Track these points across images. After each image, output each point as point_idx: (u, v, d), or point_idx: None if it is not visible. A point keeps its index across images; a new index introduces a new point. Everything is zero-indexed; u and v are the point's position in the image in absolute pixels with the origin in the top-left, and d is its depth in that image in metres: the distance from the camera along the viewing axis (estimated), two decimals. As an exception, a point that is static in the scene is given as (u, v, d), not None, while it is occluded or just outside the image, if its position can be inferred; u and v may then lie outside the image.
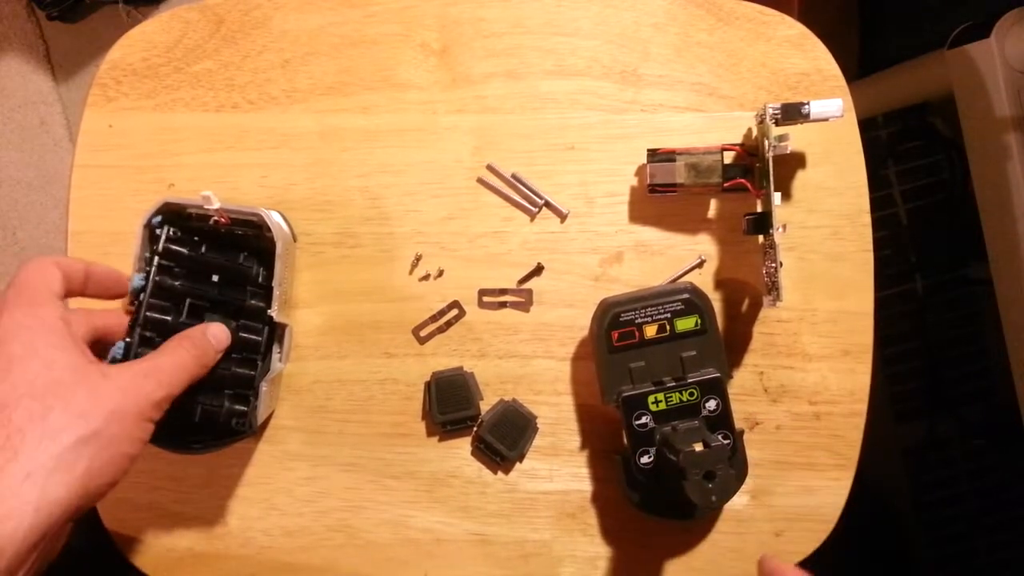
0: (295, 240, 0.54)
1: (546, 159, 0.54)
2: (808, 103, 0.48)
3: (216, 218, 0.49)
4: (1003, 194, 0.81)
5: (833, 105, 0.48)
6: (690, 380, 0.48)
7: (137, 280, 0.44)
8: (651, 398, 0.47)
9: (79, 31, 1.27)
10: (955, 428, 1.18)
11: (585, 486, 0.53)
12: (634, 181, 0.54)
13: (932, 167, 1.17)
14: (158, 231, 0.46)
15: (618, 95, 0.54)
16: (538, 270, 0.53)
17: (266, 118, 0.54)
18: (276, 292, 0.48)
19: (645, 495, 0.49)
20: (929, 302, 1.18)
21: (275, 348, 0.49)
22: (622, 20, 0.54)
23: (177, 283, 0.45)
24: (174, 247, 0.46)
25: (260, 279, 0.48)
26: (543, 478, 0.53)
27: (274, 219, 0.50)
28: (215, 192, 0.48)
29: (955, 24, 0.85)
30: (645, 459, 0.48)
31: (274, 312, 0.48)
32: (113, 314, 0.45)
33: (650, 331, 0.48)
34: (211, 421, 0.45)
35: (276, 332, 0.49)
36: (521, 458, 0.53)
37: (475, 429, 0.53)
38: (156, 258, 0.46)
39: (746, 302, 0.53)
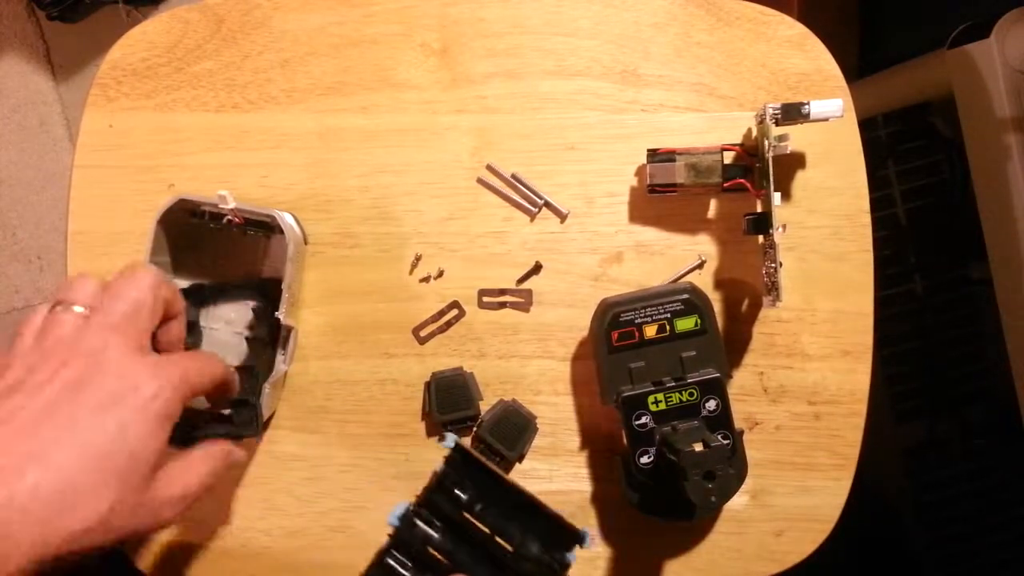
0: (306, 242, 0.54)
1: (546, 159, 0.54)
2: (808, 103, 0.48)
3: (230, 217, 0.49)
4: (1003, 194, 0.81)
5: (833, 105, 0.48)
6: (690, 380, 0.48)
7: (394, 516, 0.34)
8: (651, 398, 0.47)
9: (79, 31, 1.27)
10: (955, 428, 1.18)
11: (585, 486, 0.53)
12: (634, 181, 0.54)
13: (932, 167, 1.17)
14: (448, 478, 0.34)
15: (618, 95, 0.54)
16: (536, 269, 0.53)
17: (266, 118, 0.54)
18: (285, 295, 0.48)
19: (645, 495, 0.49)
20: (929, 302, 1.18)
21: (279, 351, 0.49)
22: (622, 20, 0.54)
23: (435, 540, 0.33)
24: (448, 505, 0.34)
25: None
26: (543, 478, 0.53)
27: (287, 221, 0.50)
28: (215, 192, 0.48)
29: (955, 24, 0.85)
30: (645, 459, 0.48)
31: (282, 315, 0.48)
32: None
33: (650, 331, 0.48)
34: None
35: (282, 334, 0.49)
36: (521, 458, 0.53)
37: (475, 429, 0.53)
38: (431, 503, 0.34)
39: (746, 302, 0.53)
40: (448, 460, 0.33)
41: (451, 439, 0.34)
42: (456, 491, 0.34)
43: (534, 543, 0.34)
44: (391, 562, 0.33)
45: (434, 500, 0.33)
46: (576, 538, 0.35)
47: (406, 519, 0.33)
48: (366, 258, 0.54)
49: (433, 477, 0.33)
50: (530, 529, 0.35)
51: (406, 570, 0.32)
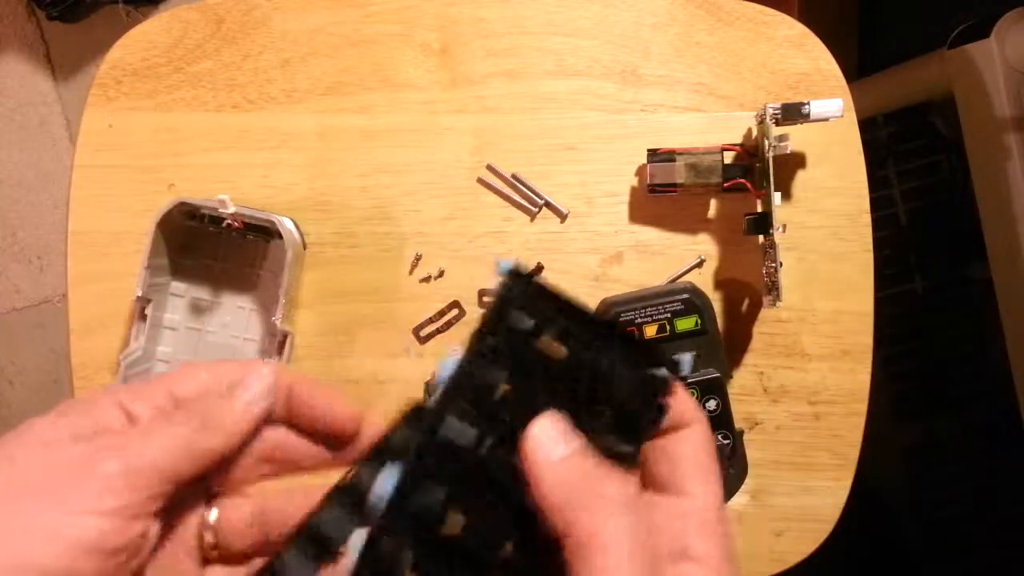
0: (304, 247, 0.53)
1: (546, 159, 0.54)
2: (808, 103, 0.48)
3: (229, 221, 0.49)
4: (1003, 194, 0.81)
5: (833, 105, 0.48)
6: (690, 380, 0.48)
7: (448, 367, 0.25)
8: (651, 398, 0.47)
9: (79, 31, 1.27)
10: (955, 428, 1.18)
11: (585, 486, 0.53)
12: (634, 181, 0.54)
13: (932, 167, 1.17)
14: (507, 286, 0.26)
15: (618, 95, 0.54)
16: (538, 270, 0.53)
17: (266, 118, 0.54)
18: (282, 300, 0.48)
19: (645, 495, 0.49)
20: (929, 302, 1.18)
21: (276, 356, 0.49)
22: (622, 20, 0.54)
23: (500, 383, 0.25)
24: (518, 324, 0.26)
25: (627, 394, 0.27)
26: (543, 478, 0.53)
27: (287, 226, 0.50)
28: (215, 192, 0.48)
29: (955, 24, 0.85)
30: (645, 459, 0.48)
31: (279, 320, 0.48)
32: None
33: (650, 331, 0.48)
34: None
35: (278, 339, 0.49)
36: (521, 458, 0.52)
37: (475, 429, 0.52)
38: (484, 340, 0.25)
39: (746, 302, 0.53)
40: (506, 288, 0.26)
41: (507, 262, 0.26)
42: (523, 319, 0.26)
43: (625, 366, 0.26)
44: (454, 420, 0.24)
45: (495, 327, 0.25)
46: (671, 365, 0.27)
47: (467, 371, 0.25)
48: (366, 258, 0.54)
49: (493, 306, 0.25)
50: (619, 354, 0.27)
51: (470, 423, 0.25)
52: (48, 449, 0.24)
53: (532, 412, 0.25)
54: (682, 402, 0.26)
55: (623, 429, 0.26)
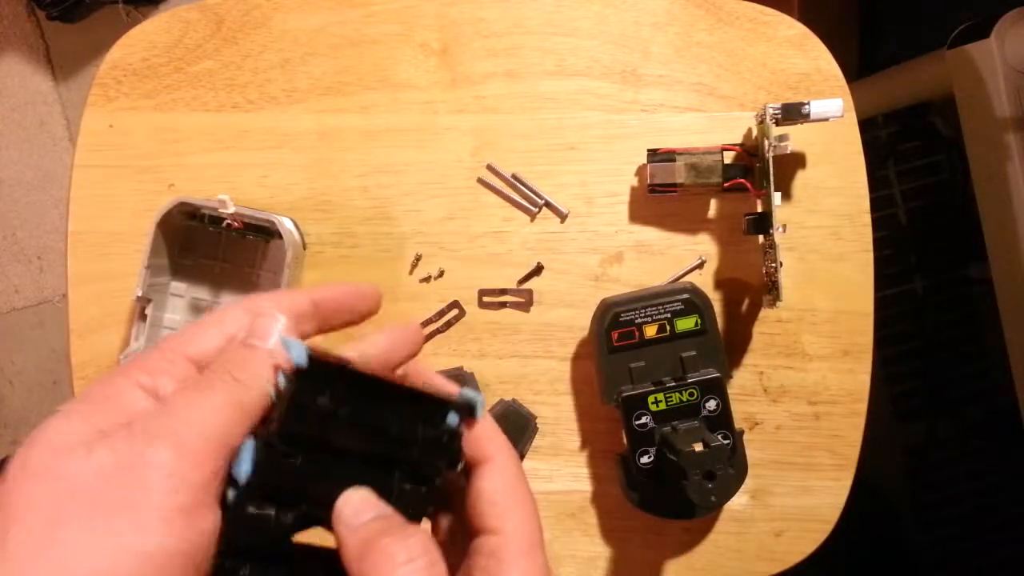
0: (304, 248, 0.53)
1: (546, 159, 0.54)
2: (808, 103, 0.48)
3: (229, 221, 0.49)
4: (1003, 194, 0.81)
5: (833, 105, 0.48)
6: (690, 380, 0.48)
7: (245, 462, 0.24)
8: (651, 398, 0.47)
9: (79, 31, 1.27)
10: (955, 428, 1.18)
11: (585, 486, 0.53)
12: (634, 181, 0.54)
13: (932, 167, 1.17)
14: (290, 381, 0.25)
15: (618, 95, 0.54)
16: (538, 270, 0.53)
17: (266, 118, 0.54)
18: None
19: (645, 495, 0.49)
20: (929, 302, 1.18)
21: None
22: (622, 20, 0.54)
23: (299, 467, 0.25)
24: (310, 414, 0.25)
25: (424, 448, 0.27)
26: (543, 478, 0.53)
27: (287, 226, 0.50)
28: (215, 192, 0.48)
29: (955, 24, 0.85)
30: (645, 459, 0.48)
31: None
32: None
33: (650, 331, 0.48)
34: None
35: None
36: (521, 458, 0.53)
37: (475, 429, 0.52)
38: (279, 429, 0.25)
39: (746, 302, 0.53)
40: (298, 376, 0.25)
41: (299, 349, 0.25)
42: (316, 402, 0.25)
43: (418, 425, 0.27)
44: (252, 510, 0.24)
45: (291, 427, 0.25)
46: (467, 409, 0.27)
47: (266, 462, 0.24)
48: (366, 258, 0.54)
49: (285, 400, 0.25)
50: (413, 416, 0.27)
51: (271, 514, 0.24)
52: (86, 450, 0.21)
53: (335, 489, 0.25)
54: (483, 435, 0.26)
55: (425, 483, 0.27)
